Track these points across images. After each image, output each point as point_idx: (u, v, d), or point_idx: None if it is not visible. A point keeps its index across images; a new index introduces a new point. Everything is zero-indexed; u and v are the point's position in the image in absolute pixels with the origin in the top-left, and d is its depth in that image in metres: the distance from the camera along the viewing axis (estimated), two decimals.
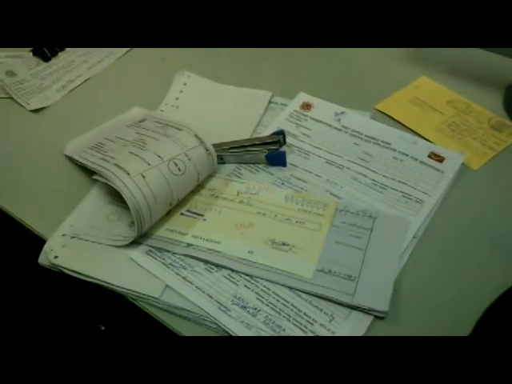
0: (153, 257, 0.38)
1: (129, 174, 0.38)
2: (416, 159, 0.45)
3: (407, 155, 0.45)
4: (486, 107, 0.50)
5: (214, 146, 0.45)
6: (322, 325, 0.34)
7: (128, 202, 0.37)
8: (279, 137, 0.46)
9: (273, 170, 0.45)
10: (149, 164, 0.40)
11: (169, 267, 0.38)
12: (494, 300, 0.34)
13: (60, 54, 0.58)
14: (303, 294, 0.36)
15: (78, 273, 0.38)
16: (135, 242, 0.39)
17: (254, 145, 0.46)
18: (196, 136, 0.43)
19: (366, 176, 0.44)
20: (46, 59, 0.57)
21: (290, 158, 0.46)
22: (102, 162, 0.41)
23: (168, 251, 0.39)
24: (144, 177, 0.39)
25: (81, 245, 0.40)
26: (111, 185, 0.39)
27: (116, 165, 0.40)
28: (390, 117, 0.49)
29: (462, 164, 0.44)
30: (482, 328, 0.33)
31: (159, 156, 0.41)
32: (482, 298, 0.35)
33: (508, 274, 0.37)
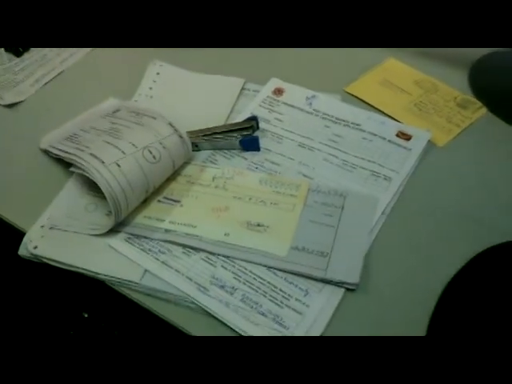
0: (131, 244, 0.39)
1: (103, 162, 0.39)
2: (384, 138, 0.46)
3: (376, 135, 0.46)
4: (452, 86, 0.51)
5: (189, 133, 0.46)
6: (297, 299, 0.36)
7: (104, 191, 0.38)
8: (252, 122, 0.47)
9: (247, 154, 0.46)
10: (123, 152, 0.40)
11: (148, 253, 0.39)
12: (456, 271, 0.36)
13: (32, 48, 0.58)
14: (278, 272, 0.37)
15: (58, 262, 0.38)
16: (114, 231, 0.40)
17: (228, 131, 0.47)
18: (170, 124, 0.44)
19: (336, 157, 0.45)
20: (19, 54, 0.57)
21: (263, 143, 0.47)
22: (77, 152, 0.42)
23: (146, 237, 0.40)
24: (119, 165, 0.39)
25: (60, 235, 0.40)
26: (86, 175, 0.39)
27: (91, 154, 0.40)
28: (359, 99, 0.51)
29: (429, 141, 0.46)
30: (445, 304, 0.35)
31: (134, 144, 0.41)
32: (447, 268, 0.37)
33: (471, 245, 0.38)
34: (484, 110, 0.49)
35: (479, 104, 0.49)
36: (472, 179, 0.43)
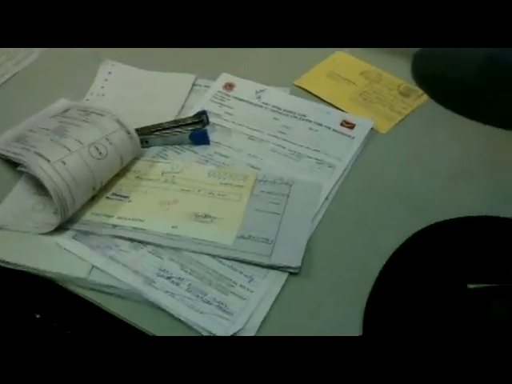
0: (79, 240, 0.39)
1: (49, 160, 0.39)
2: (329, 128, 0.47)
3: (321, 125, 0.48)
4: (395, 75, 0.53)
5: (139, 129, 0.46)
6: (241, 285, 0.36)
7: (47, 186, 0.38)
8: (202, 117, 0.48)
9: (197, 148, 0.47)
10: (69, 150, 0.41)
11: (95, 249, 0.39)
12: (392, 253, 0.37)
13: None
14: (225, 260, 0.38)
15: (6, 262, 0.38)
16: (62, 228, 0.40)
17: (178, 126, 0.47)
18: (117, 120, 0.44)
19: (284, 147, 0.46)
20: None
21: (213, 137, 0.48)
22: (23, 152, 0.42)
23: (94, 234, 0.40)
24: (64, 163, 0.39)
25: (8, 235, 0.40)
26: (31, 173, 0.39)
27: (36, 153, 0.40)
28: (308, 91, 0.52)
29: (372, 129, 0.47)
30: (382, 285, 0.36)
31: (80, 141, 0.41)
32: (387, 250, 0.38)
33: (411, 225, 0.40)
34: (425, 97, 0.50)
35: (421, 92, 0.51)
36: (412, 162, 0.45)
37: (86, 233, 0.40)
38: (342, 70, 0.54)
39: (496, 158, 0.45)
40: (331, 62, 0.55)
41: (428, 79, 0.52)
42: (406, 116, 0.49)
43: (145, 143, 0.47)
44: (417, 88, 0.51)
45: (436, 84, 0.52)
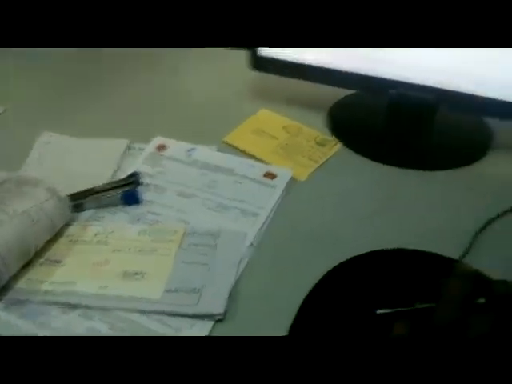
0: (10, 309, 0.40)
1: None
2: (253, 180, 0.51)
3: (246, 177, 0.52)
4: (313, 128, 0.58)
5: (73, 195, 0.48)
6: None
7: None
8: (133, 178, 0.51)
9: (129, 209, 0.49)
10: (1, 220, 0.42)
11: (26, 317, 0.39)
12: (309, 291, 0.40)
13: None
14: (153, 315, 0.39)
15: None
16: None
17: (111, 189, 0.50)
18: (49, 189, 0.46)
19: (212, 201, 0.49)
20: None
21: (146, 196, 0.50)
22: None
23: (27, 301, 0.41)
24: None
25: None
26: None
27: None
28: (235, 147, 0.56)
29: (292, 178, 0.51)
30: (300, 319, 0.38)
31: (13, 210, 0.43)
32: (308, 286, 0.41)
33: (330, 263, 0.43)
34: (339, 146, 0.56)
35: (335, 141, 0.56)
36: (329, 204, 0.49)
37: (19, 301, 0.41)
38: (266, 126, 0.59)
39: (398, 194, 0.50)
40: (256, 119, 0.60)
41: (341, 129, 0.58)
42: (322, 164, 0.53)
43: (79, 207, 0.49)
44: (332, 138, 0.57)
45: (348, 133, 0.57)
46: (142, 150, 0.57)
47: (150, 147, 0.57)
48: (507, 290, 0.32)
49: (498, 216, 0.47)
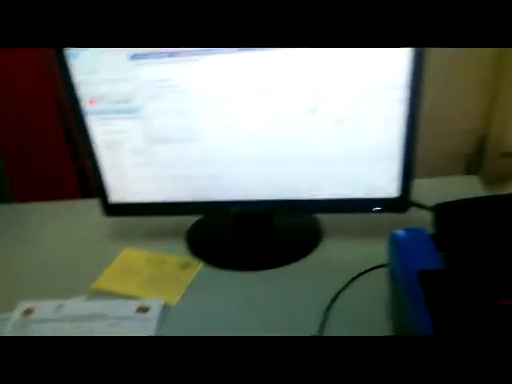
0: None
1: None
2: (127, 318, 0.54)
3: (119, 317, 0.54)
4: (175, 254, 0.65)
5: None
6: None
7: None
8: None
9: None
10: None
11: None
12: None
13: None
14: None
15: None
16: None
17: None
18: None
19: None
20: None
21: None
22: None
23: None
24: None
25: None
26: None
27: None
28: (105, 291, 0.59)
29: (164, 306, 0.56)
30: None
31: None
32: None
33: None
34: (201, 264, 0.63)
35: (197, 261, 0.63)
36: (202, 321, 0.54)
37: None
38: (131, 263, 0.64)
39: (258, 294, 0.57)
40: (121, 259, 0.65)
41: (199, 249, 0.66)
42: (189, 284, 0.59)
43: None
44: (193, 260, 0.64)
45: (205, 251, 0.65)
46: (5, 320, 0.55)
47: (15, 314, 0.56)
48: None
49: (340, 291, 0.57)
